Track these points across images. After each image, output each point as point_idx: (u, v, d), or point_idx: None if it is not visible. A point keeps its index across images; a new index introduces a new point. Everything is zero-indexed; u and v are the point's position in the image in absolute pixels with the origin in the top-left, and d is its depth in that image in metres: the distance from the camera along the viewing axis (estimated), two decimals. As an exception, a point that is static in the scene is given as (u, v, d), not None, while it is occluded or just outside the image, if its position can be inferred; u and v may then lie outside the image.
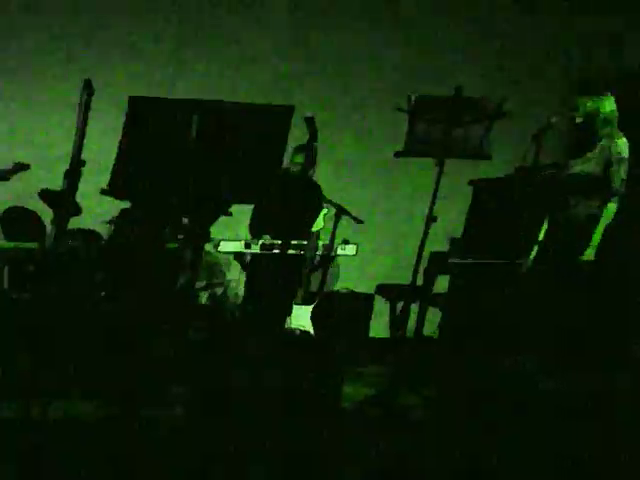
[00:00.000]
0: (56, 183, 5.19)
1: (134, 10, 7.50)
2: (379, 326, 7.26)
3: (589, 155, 5.39)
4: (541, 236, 5.50)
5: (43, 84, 7.26)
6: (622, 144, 5.33)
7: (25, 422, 4.07)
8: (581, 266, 5.26)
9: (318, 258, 5.92)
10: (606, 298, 5.62)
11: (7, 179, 6.01)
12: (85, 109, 4.16)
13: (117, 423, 4.25)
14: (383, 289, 7.09)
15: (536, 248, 5.46)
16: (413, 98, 5.03)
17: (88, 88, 4.15)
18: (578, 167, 5.42)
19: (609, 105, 5.37)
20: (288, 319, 5.60)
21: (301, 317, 5.57)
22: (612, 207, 5.31)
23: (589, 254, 5.26)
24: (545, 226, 5.52)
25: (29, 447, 3.78)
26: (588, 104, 5.36)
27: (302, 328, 5.56)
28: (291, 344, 5.44)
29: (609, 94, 5.40)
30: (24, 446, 3.79)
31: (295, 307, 5.59)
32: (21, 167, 6.02)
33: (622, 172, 5.30)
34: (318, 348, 5.55)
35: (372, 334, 7.29)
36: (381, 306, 7.21)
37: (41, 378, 4.50)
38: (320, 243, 5.84)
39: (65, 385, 4.71)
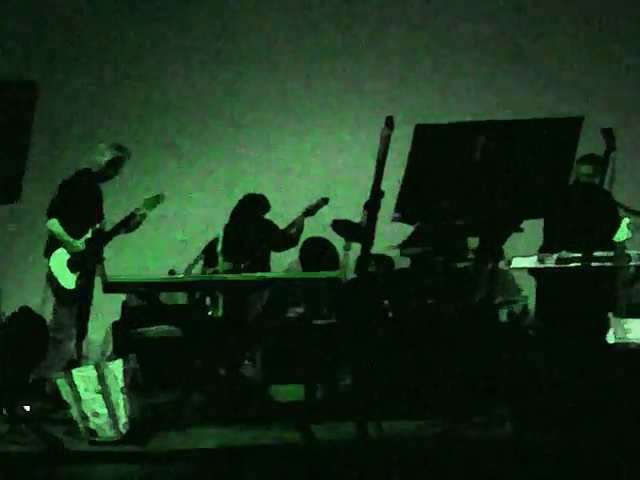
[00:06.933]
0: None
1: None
2: None
3: None
4: None
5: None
6: None
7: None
8: None
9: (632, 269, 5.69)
10: None
11: (312, 214, 6.64)
12: (385, 143, 4.36)
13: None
14: None
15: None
16: None
17: (390, 124, 4.36)
18: None
19: None
20: (612, 333, 5.39)
21: (633, 330, 5.36)
22: None
23: None
24: None
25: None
26: None
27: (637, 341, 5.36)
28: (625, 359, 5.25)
29: None
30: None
31: (620, 321, 5.37)
32: (323, 202, 6.64)
33: None
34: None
35: None
36: None
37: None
38: (633, 253, 5.58)
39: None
